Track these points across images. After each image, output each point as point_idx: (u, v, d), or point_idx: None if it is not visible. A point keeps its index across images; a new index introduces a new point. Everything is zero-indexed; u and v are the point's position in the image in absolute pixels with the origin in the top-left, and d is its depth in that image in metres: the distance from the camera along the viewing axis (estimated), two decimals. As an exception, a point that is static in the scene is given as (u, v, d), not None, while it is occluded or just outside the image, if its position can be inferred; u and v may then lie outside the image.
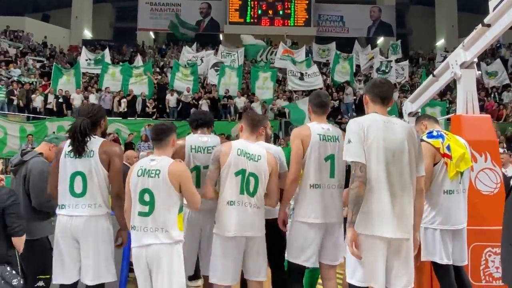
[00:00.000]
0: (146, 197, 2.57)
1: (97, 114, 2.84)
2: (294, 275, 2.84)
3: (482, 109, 15.21)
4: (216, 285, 2.85)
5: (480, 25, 3.46)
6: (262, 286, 2.91)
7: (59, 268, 2.70)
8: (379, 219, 2.31)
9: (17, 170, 3.27)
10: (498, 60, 17.97)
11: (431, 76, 4.54)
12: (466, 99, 3.72)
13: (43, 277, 3.06)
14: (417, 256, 3.34)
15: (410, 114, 5.13)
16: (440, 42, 26.76)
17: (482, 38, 3.51)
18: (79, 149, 2.68)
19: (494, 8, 3.27)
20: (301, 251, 2.78)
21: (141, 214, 2.58)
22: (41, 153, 3.31)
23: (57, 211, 2.75)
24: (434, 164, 3.02)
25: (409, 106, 5.15)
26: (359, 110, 15.42)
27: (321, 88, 16.36)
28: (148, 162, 2.65)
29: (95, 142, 2.73)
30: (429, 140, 3.06)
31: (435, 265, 3.03)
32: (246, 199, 2.77)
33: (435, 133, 3.10)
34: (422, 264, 3.54)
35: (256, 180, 2.77)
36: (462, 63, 3.73)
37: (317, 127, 2.85)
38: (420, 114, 4.96)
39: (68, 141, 2.76)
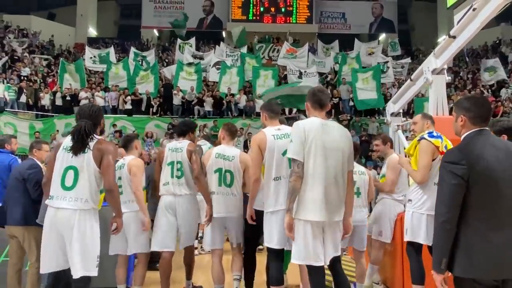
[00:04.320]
0: (118, 182, 3.62)
1: (98, 115, 3.03)
2: (271, 255, 3.30)
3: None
4: (212, 250, 3.77)
5: (447, 37, 3.86)
6: (241, 248, 3.77)
7: (45, 258, 2.83)
8: (311, 206, 2.69)
9: None
10: (496, 57, 18.22)
11: (409, 80, 4.94)
12: (437, 102, 4.12)
13: None
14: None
15: (392, 114, 5.48)
16: (442, 38, 26.88)
17: (449, 48, 3.91)
18: (79, 149, 2.85)
19: (458, 22, 3.65)
20: (272, 237, 3.18)
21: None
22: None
23: (47, 201, 2.90)
24: (432, 160, 3.39)
25: (391, 106, 5.51)
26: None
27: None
28: (120, 159, 3.81)
29: (92, 140, 2.90)
30: (431, 139, 3.43)
31: (412, 245, 3.38)
32: (223, 190, 3.68)
33: (435, 134, 3.50)
34: (394, 249, 3.98)
35: (231, 175, 3.69)
36: (433, 69, 4.14)
37: (270, 130, 3.29)
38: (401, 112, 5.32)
39: (69, 136, 2.93)
